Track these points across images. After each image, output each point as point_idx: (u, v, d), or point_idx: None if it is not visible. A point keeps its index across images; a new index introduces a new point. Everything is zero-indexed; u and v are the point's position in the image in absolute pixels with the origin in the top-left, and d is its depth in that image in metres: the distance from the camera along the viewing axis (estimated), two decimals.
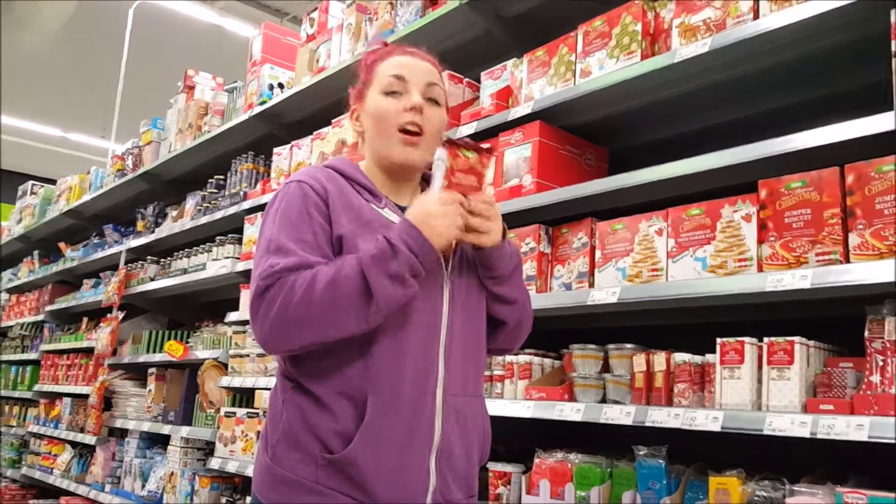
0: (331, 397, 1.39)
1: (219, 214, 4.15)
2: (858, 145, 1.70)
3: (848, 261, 1.71)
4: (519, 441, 2.56)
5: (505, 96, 2.70)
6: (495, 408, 2.32)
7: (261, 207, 3.83)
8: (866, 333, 1.69)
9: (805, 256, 1.78)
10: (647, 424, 1.92)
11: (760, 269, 1.87)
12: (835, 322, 1.93)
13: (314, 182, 1.47)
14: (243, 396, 3.72)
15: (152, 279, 4.82)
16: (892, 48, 1.66)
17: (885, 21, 1.69)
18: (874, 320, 1.69)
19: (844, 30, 1.90)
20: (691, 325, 2.32)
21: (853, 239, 1.71)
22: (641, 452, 2.02)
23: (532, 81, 2.60)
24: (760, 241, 1.89)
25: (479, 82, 2.89)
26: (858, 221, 1.70)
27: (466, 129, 2.71)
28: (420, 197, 1.45)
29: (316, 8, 3.82)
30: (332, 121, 3.45)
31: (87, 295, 5.74)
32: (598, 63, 2.37)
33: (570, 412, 2.13)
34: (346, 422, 1.37)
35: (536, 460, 2.26)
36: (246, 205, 3.92)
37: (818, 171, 1.79)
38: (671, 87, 2.30)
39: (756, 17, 1.98)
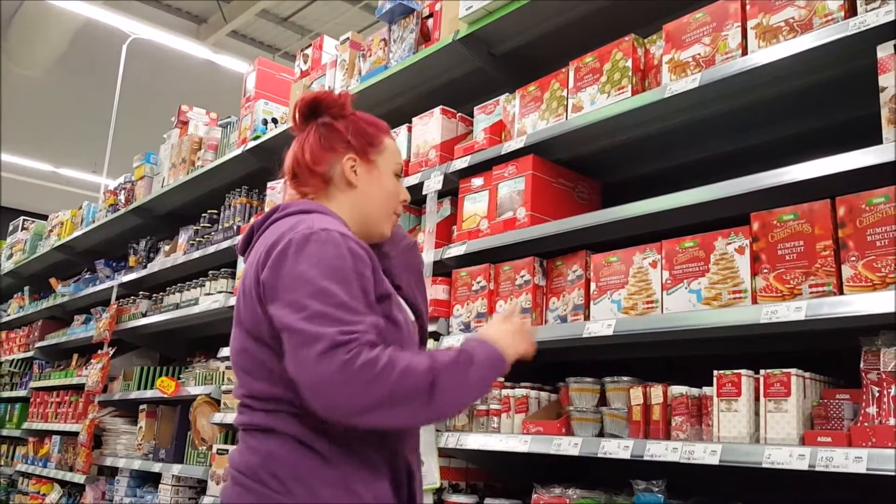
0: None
1: (212, 249, 4.14)
2: (849, 178, 1.73)
3: (842, 292, 1.72)
4: (516, 476, 2.54)
5: (498, 130, 2.73)
6: (492, 442, 2.31)
7: None
8: (862, 365, 1.70)
9: (799, 288, 1.79)
10: (646, 458, 1.91)
11: (755, 301, 1.88)
12: (830, 353, 1.93)
13: (353, 242, 1.45)
14: (236, 433, 3.67)
15: (144, 314, 4.78)
16: (880, 83, 1.70)
17: (872, 57, 1.73)
18: (869, 351, 1.70)
19: (832, 65, 1.93)
20: (687, 357, 2.32)
21: (846, 271, 1.72)
22: (640, 487, 2.01)
23: (524, 116, 2.62)
24: (754, 273, 1.90)
25: (471, 117, 2.92)
26: (851, 253, 1.72)
27: (460, 163, 2.73)
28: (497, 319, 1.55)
29: (310, 45, 3.86)
30: None
31: (78, 331, 5.69)
32: (589, 98, 2.40)
33: (567, 446, 2.11)
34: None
35: (534, 496, 2.23)
36: (239, 239, 3.91)
37: (810, 203, 1.81)
38: (662, 121, 2.33)
39: (745, 53, 2.01)
